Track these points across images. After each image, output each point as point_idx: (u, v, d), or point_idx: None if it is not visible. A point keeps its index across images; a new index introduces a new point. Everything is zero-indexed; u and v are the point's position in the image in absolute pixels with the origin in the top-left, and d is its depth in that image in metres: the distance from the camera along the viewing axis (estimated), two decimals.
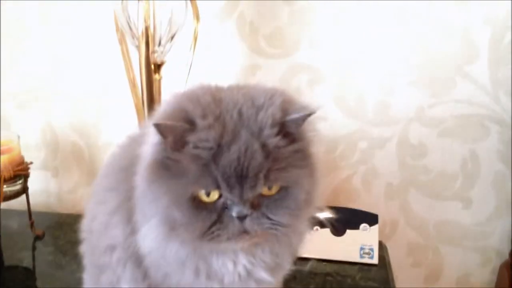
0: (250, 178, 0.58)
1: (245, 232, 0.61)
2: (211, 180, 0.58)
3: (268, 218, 0.61)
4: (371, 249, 1.20)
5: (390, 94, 1.27)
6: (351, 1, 1.22)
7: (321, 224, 1.21)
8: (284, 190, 0.61)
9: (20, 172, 1.19)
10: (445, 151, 1.30)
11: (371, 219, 1.22)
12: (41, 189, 1.49)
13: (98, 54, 1.34)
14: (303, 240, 0.73)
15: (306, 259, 1.19)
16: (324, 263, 1.19)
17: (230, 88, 0.66)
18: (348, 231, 1.21)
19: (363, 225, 1.22)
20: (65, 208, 1.49)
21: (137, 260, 0.73)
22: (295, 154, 0.61)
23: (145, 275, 0.73)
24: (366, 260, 1.19)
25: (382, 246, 1.25)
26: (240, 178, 0.58)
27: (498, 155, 1.28)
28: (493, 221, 1.35)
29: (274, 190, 0.61)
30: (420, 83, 1.26)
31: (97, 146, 1.43)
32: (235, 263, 0.68)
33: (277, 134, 0.59)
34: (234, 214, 0.60)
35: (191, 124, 0.59)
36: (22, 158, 1.22)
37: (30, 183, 1.26)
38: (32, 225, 1.29)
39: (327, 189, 1.34)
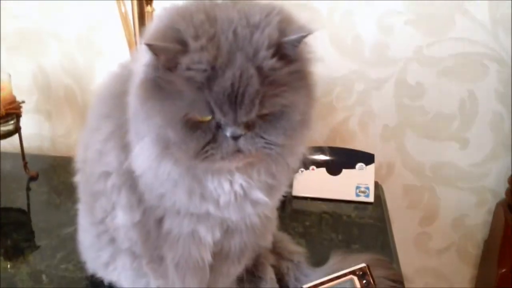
0: (245, 104, 0.57)
1: (239, 151, 0.61)
2: (204, 104, 0.57)
3: (262, 137, 0.61)
4: (367, 188, 1.21)
5: (388, 34, 1.26)
6: None
7: (317, 163, 1.24)
8: (279, 111, 0.60)
9: (12, 111, 1.18)
10: (443, 92, 1.30)
11: (367, 158, 1.23)
12: (35, 133, 1.49)
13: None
14: (299, 161, 0.72)
15: (303, 198, 1.21)
16: (320, 201, 1.20)
17: (225, 3, 0.63)
18: (344, 170, 1.23)
19: (359, 165, 1.22)
20: (59, 152, 1.49)
21: (132, 185, 0.73)
22: (292, 76, 0.59)
23: (140, 200, 0.73)
24: (361, 198, 1.21)
25: (378, 186, 1.26)
26: (234, 104, 0.57)
27: (496, 95, 1.28)
28: (490, 161, 1.35)
29: (268, 110, 0.60)
30: (419, 21, 1.24)
31: (90, 89, 1.41)
32: (231, 183, 0.68)
33: (273, 55, 0.57)
34: (228, 134, 0.60)
35: (184, 45, 0.57)
36: (13, 97, 1.21)
37: (23, 126, 1.26)
38: (25, 166, 1.29)
39: (324, 131, 1.35)
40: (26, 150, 1.29)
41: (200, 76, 0.56)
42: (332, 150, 1.20)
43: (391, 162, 1.39)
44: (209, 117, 0.59)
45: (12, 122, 1.21)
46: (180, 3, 0.64)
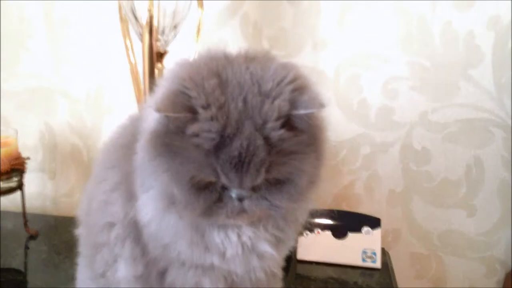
0: (251, 172, 0.58)
1: (243, 211, 0.61)
2: (211, 170, 0.58)
3: (267, 199, 0.61)
4: (374, 253, 1.18)
5: (394, 98, 1.28)
6: (355, 1, 1.23)
7: (323, 226, 1.22)
8: (285, 177, 0.61)
9: (17, 167, 1.18)
10: (448, 157, 1.30)
11: (374, 222, 1.21)
12: (37, 192, 1.48)
13: (99, 52, 1.35)
14: (307, 215, 0.72)
15: (308, 262, 1.18)
16: (325, 266, 1.17)
17: (238, 63, 0.63)
18: (350, 234, 1.21)
19: (366, 229, 1.21)
20: (61, 212, 1.47)
21: (136, 236, 0.72)
22: (300, 144, 0.60)
23: (144, 252, 0.72)
24: (368, 264, 1.18)
25: (384, 253, 1.24)
26: (240, 172, 0.58)
27: (502, 161, 1.27)
28: (498, 230, 1.33)
29: (275, 176, 0.60)
30: (424, 87, 1.26)
31: (96, 147, 1.42)
32: (239, 235, 0.67)
33: (282, 126, 0.58)
34: (233, 195, 0.60)
35: (194, 112, 0.58)
36: (19, 153, 1.21)
37: (26, 185, 1.25)
38: (26, 224, 1.27)
39: (329, 194, 1.35)
40: (27, 209, 1.28)
41: (208, 144, 0.57)
42: (337, 214, 1.19)
43: (397, 229, 1.37)
44: (215, 179, 0.60)
45: (15, 179, 1.21)
46: (191, 60, 0.65)
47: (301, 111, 0.58)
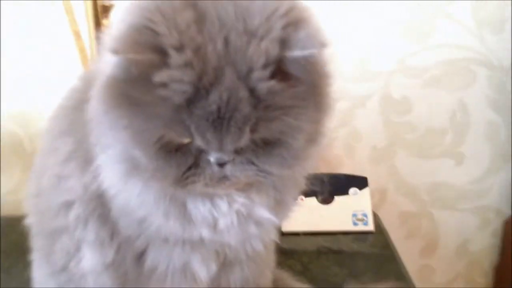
0: (232, 132, 0.47)
1: (225, 178, 0.51)
2: (182, 129, 0.47)
3: (254, 164, 0.51)
4: (365, 215, 1.10)
5: (368, 46, 1.19)
6: None
7: (306, 193, 1.12)
8: (276, 137, 0.50)
9: None
10: (431, 104, 1.23)
11: (360, 182, 1.13)
12: None
13: (34, 25, 1.19)
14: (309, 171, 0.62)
15: (294, 234, 1.08)
16: (314, 236, 1.07)
17: None
18: (336, 197, 1.11)
19: (353, 189, 1.12)
20: (7, 212, 1.31)
21: (102, 214, 0.61)
22: (296, 97, 0.49)
23: (113, 233, 0.61)
24: (360, 227, 1.09)
25: (374, 214, 1.14)
26: (219, 131, 0.47)
27: (488, 101, 1.22)
28: (489, 177, 1.28)
29: (262, 135, 0.50)
30: (399, 29, 1.17)
31: (39, 134, 1.26)
32: (229, 203, 0.57)
33: (272, 75, 0.47)
34: (212, 159, 0.50)
35: (162, 54, 0.46)
36: None
37: None
38: None
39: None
40: None
41: (179, 97, 0.45)
42: (320, 176, 1.10)
43: (383, 188, 1.30)
44: (189, 140, 0.49)
45: None
46: None
47: (296, 53, 0.47)
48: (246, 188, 0.56)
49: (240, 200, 0.57)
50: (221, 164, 0.50)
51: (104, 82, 0.49)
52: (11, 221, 1.16)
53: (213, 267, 0.63)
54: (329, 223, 1.09)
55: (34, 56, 1.22)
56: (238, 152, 0.50)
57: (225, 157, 0.49)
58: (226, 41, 0.47)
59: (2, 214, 1.30)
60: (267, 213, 0.58)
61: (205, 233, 0.57)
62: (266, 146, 0.50)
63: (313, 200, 1.10)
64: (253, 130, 0.47)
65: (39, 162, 0.67)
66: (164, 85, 0.45)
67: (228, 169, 0.50)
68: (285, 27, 0.47)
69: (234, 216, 0.57)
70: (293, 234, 1.07)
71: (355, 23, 1.17)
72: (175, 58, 0.45)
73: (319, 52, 0.49)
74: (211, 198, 0.56)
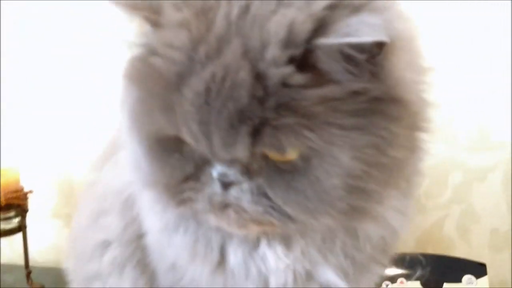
0: (223, 129, 0.35)
1: (228, 205, 0.39)
2: (170, 118, 0.37)
3: (267, 197, 0.38)
4: None
5: (493, 111, 1.05)
6: None
7: (407, 275, 0.97)
8: (305, 160, 0.37)
9: (15, 202, 0.98)
10: None
11: (477, 269, 0.96)
12: (50, 244, 1.27)
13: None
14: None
15: None
16: None
17: None
18: (446, 285, 0.95)
19: (467, 277, 0.95)
20: None
21: (141, 261, 0.51)
22: (335, 106, 0.35)
23: (153, 283, 0.49)
24: None
25: None
26: (206, 125, 0.35)
27: None
28: None
29: (289, 155, 0.37)
30: None
31: None
32: (277, 255, 0.45)
33: (290, 62, 0.34)
34: (214, 174, 0.38)
35: (156, 14, 0.37)
36: (20, 186, 1.01)
37: (36, 237, 1.09)
38: (28, 276, 1.06)
39: (410, 237, 1.11)
40: (38, 264, 1.11)
41: (168, 68, 0.36)
42: (427, 258, 0.94)
43: (505, 280, 1.10)
44: (174, 132, 0.38)
45: (16, 219, 1.01)
46: None
47: (331, 41, 0.34)
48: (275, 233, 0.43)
49: (293, 253, 0.44)
50: (225, 185, 0.38)
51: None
52: None
53: None
54: None
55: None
56: (250, 173, 0.37)
57: (231, 175, 0.37)
58: (247, 7, 0.36)
59: None
60: (336, 276, 0.45)
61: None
62: (284, 174, 0.37)
63: (417, 285, 0.94)
64: (254, 136, 0.35)
65: (82, 199, 0.58)
66: (154, 51, 0.36)
67: (232, 193, 0.38)
68: (331, 7, 0.35)
69: (289, 274, 0.44)
70: None
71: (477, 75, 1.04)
72: (169, 15, 0.36)
73: (390, 52, 0.35)
74: (253, 244, 0.44)
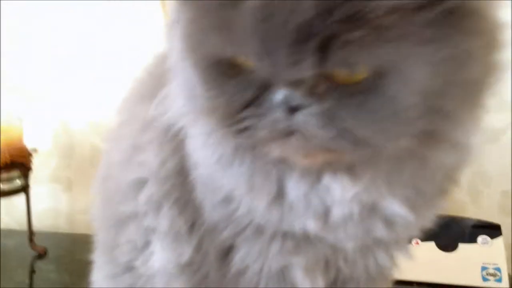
0: (288, 46, 0.32)
1: (293, 131, 0.35)
2: (228, 37, 0.34)
3: (339, 121, 0.34)
4: (497, 269, 0.91)
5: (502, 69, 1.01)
6: None
7: (422, 236, 0.95)
8: (377, 78, 0.33)
9: (20, 160, 0.95)
10: None
11: (492, 230, 0.94)
12: (49, 207, 1.24)
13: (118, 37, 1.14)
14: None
15: (405, 283, 0.89)
16: None
17: None
18: (461, 245, 0.93)
19: (482, 237, 0.93)
20: (76, 230, 1.22)
21: (180, 199, 0.47)
22: (416, 15, 0.32)
23: (194, 222, 0.47)
24: (491, 284, 0.90)
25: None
26: (268, 42, 0.32)
27: None
28: None
29: (360, 74, 0.33)
30: None
31: None
32: (343, 186, 0.41)
33: None
34: (278, 97, 0.34)
35: None
36: (23, 145, 0.98)
37: (36, 200, 1.06)
38: (31, 240, 1.03)
39: None
40: (36, 228, 1.06)
41: None
42: (441, 220, 0.92)
43: None
44: (232, 52, 0.35)
45: (18, 180, 0.97)
46: None
47: None
48: (344, 165, 0.40)
49: (358, 182, 0.41)
50: (290, 110, 0.34)
51: None
52: (79, 238, 1.08)
53: (320, 283, 0.47)
54: (452, 275, 0.91)
55: (117, 67, 1.16)
56: (318, 95, 0.34)
57: (297, 98, 0.34)
58: None
59: (71, 232, 1.22)
60: (402, 208, 0.43)
61: (311, 224, 0.42)
62: (355, 95, 0.34)
63: (431, 246, 0.93)
64: (322, 52, 0.31)
65: (112, 137, 0.55)
66: None
67: (299, 118, 0.34)
68: None
69: (354, 205, 0.41)
70: (405, 283, 0.90)
71: None
72: None
73: None
74: (317, 176, 0.41)
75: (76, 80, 1.19)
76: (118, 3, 1.13)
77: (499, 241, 0.92)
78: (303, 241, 0.44)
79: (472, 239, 0.93)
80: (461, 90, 0.35)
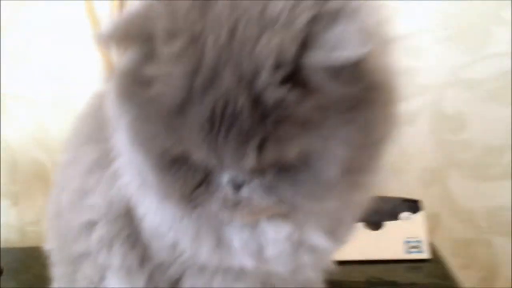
0: (234, 149, 0.39)
1: (240, 202, 0.43)
2: (176, 138, 0.40)
3: (276, 191, 0.43)
4: (419, 242, 1.01)
5: (416, 56, 1.11)
6: None
7: None
8: (306, 157, 0.41)
9: None
10: (488, 120, 1.13)
11: (412, 206, 1.04)
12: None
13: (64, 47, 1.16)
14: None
15: (339, 263, 0.98)
16: (361, 265, 0.98)
17: None
18: (385, 223, 1.03)
19: (404, 214, 1.03)
20: (28, 243, 1.26)
21: (130, 236, 0.54)
22: (324, 112, 0.39)
23: (144, 258, 0.54)
24: (414, 255, 1.00)
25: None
26: (215, 148, 0.39)
27: None
28: None
29: (291, 156, 0.41)
30: (452, 38, 1.10)
31: None
32: (276, 228, 0.49)
33: (287, 82, 0.37)
34: (225, 179, 0.42)
35: (149, 42, 0.39)
36: None
37: None
38: None
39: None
40: None
41: (168, 98, 0.38)
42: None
43: (436, 214, 1.20)
44: (184, 153, 0.42)
45: None
46: None
47: (321, 55, 0.37)
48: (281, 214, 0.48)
49: (288, 224, 0.49)
50: (236, 186, 0.42)
51: (116, 74, 0.43)
52: (33, 252, 1.11)
53: None
54: (379, 251, 1.00)
55: (61, 80, 1.19)
56: (256, 172, 0.41)
57: (240, 178, 0.42)
58: (233, 31, 0.38)
59: (24, 246, 1.25)
60: (323, 240, 0.51)
61: (248, 262, 0.50)
62: (289, 170, 0.42)
63: (359, 226, 1.02)
64: (261, 150, 0.39)
65: (60, 178, 0.60)
66: (152, 81, 0.38)
67: (244, 192, 0.42)
68: (313, 20, 0.38)
69: (286, 243, 0.49)
70: (338, 263, 0.99)
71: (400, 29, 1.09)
72: (164, 47, 0.38)
73: (368, 54, 0.37)
74: (255, 223, 0.49)
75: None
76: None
77: (419, 215, 1.02)
78: (241, 273, 0.52)
79: (395, 216, 1.03)
80: (371, 149, 0.43)
